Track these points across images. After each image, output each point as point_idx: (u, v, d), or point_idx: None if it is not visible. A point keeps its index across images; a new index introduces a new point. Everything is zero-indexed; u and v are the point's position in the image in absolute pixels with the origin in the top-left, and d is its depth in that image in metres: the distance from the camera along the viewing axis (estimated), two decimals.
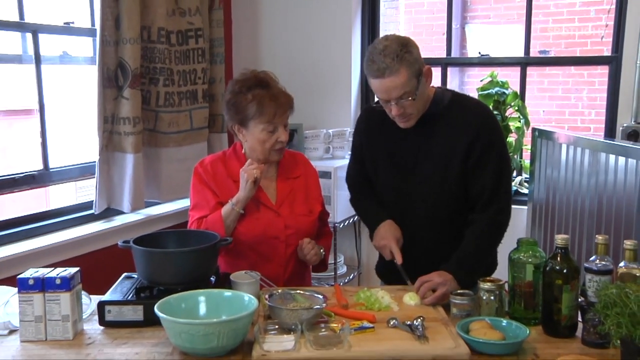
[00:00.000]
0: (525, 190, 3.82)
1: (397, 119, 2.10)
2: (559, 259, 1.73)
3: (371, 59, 2.01)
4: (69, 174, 3.28)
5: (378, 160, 2.26)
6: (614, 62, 3.63)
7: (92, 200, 3.20)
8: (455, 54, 4.56)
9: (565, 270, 1.71)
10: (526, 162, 3.93)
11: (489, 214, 2.10)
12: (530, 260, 1.81)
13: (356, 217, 3.80)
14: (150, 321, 1.75)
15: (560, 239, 1.75)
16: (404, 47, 1.98)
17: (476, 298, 1.84)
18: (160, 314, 1.60)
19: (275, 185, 2.28)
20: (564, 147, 3.25)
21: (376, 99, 2.15)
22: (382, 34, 4.21)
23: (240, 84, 2.18)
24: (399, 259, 2.11)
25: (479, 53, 4.09)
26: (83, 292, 1.87)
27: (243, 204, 2.15)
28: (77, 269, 1.80)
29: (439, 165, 2.13)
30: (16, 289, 1.76)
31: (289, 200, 2.25)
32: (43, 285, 1.73)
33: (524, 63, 3.92)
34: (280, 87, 2.20)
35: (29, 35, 3.00)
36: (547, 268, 1.74)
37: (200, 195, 2.25)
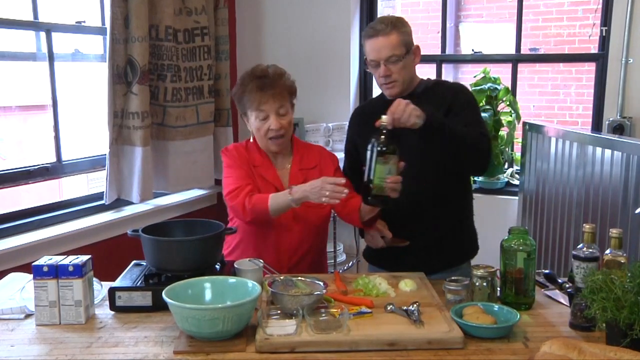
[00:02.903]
0: (516, 182, 3.86)
1: (383, 84, 2.26)
2: (382, 137, 1.93)
3: (369, 25, 2.27)
4: (81, 166, 3.33)
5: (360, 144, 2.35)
6: (600, 59, 3.66)
7: (103, 192, 3.23)
8: (449, 51, 4.58)
9: (384, 148, 1.93)
10: (517, 154, 3.96)
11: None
12: (521, 248, 1.84)
13: None
14: (159, 306, 1.78)
15: (384, 119, 1.95)
16: (399, 19, 2.25)
17: (470, 284, 1.87)
18: (167, 300, 1.62)
19: (289, 176, 2.31)
20: (553, 140, 3.27)
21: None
22: None
23: (243, 77, 2.27)
24: (388, 234, 2.26)
25: (473, 50, 4.10)
26: (94, 279, 1.89)
27: (300, 202, 2.12)
28: (88, 256, 1.84)
29: (423, 134, 2.15)
30: (31, 276, 1.79)
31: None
32: (57, 272, 1.76)
33: (515, 60, 3.96)
34: (276, 78, 2.24)
35: (42, 34, 3.04)
36: (370, 145, 1.94)
37: (237, 171, 2.27)
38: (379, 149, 1.95)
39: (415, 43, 2.28)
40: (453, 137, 2.07)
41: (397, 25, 2.21)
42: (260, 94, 2.20)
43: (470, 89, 2.32)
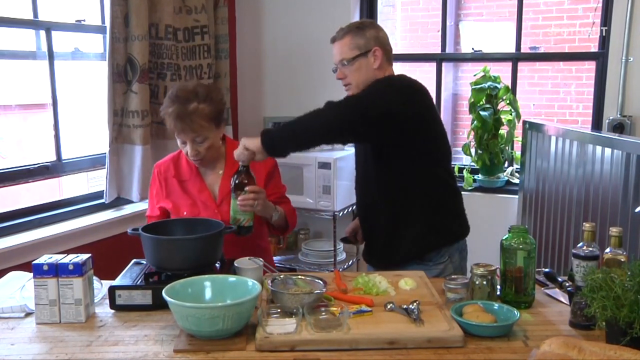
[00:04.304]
0: (516, 180, 3.86)
1: (343, 86, 2.35)
2: (235, 175, 2.13)
3: None
4: (81, 165, 3.34)
5: None
6: (600, 58, 3.66)
7: (103, 190, 3.25)
8: (449, 50, 4.56)
9: (234, 184, 2.12)
10: (517, 153, 3.95)
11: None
12: (521, 246, 1.84)
13: (354, 206, 3.88)
14: (159, 305, 1.79)
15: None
16: (361, 24, 2.32)
17: (469, 283, 1.87)
18: (168, 298, 1.62)
19: (220, 181, 2.35)
20: (553, 139, 3.27)
21: None
22: None
23: (166, 98, 2.27)
24: (347, 232, 2.59)
25: (473, 49, 4.09)
26: (94, 278, 1.90)
27: None
28: (88, 255, 1.83)
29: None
30: (31, 274, 1.80)
31: (231, 196, 2.22)
32: (57, 270, 1.77)
33: (515, 59, 3.96)
34: (195, 107, 2.19)
35: (42, 33, 3.05)
36: (235, 177, 2.13)
37: (151, 195, 2.42)
38: (232, 185, 2.14)
39: (379, 46, 2.28)
40: (292, 135, 2.12)
41: (353, 30, 2.28)
42: (177, 122, 2.20)
43: (401, 76, 2.33)
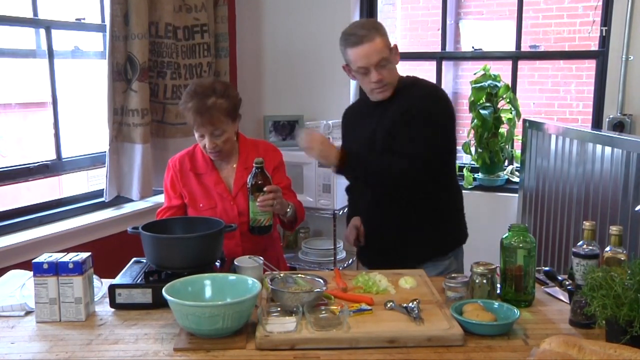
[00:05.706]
0: (516, 179, 3.86)
1: (375, 89, 2.25)
2: (252, 176, 2.15)
3: (348, 32, 2.25)
4: (81, 164, 3.33)
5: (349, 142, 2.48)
6: (600, 56, 3.65)
7: (103, 189, 3.24)
8: (449, 48, 4.56)
9: (252, 186, 2.15)
10: (517, 152, 3.94)
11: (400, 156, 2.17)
12: (521, 245, 1.84)
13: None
14: (159, 304, 1.80)
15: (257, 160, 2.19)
16: (376, 22, 2.30)
17: (469, 282, 1.87)
18: (168, 297, 1.63)
19: (234, 175, 2.40)
20: (553, 137, 3.27)
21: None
22: None
23: (185, 93, 2.33)
24: (348, 239, 2.50)
25: (473, 48, 4.10)
26: (94, 276, 1.90)
27: None
28: (88, 254, 1.84)
29: (387, 134, 2.24)
30: (31, 273, 1.80)
31: (246, 188, 2.28)
32: (57, 269, 1.77)
33: (515, 57, 3.95)
34: (213, 101, 2.25)
35: (42, 31, 3.05)
36: (251, 179, 2.16)
37: (166, 188, 2.46)
38: (249, 187, 2.17)
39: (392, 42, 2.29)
40: (370, 174, 2.22)
41: (378, 28, 2.24)
42: (197, 116, 2.26)
43: (442, 95, 2.31)
